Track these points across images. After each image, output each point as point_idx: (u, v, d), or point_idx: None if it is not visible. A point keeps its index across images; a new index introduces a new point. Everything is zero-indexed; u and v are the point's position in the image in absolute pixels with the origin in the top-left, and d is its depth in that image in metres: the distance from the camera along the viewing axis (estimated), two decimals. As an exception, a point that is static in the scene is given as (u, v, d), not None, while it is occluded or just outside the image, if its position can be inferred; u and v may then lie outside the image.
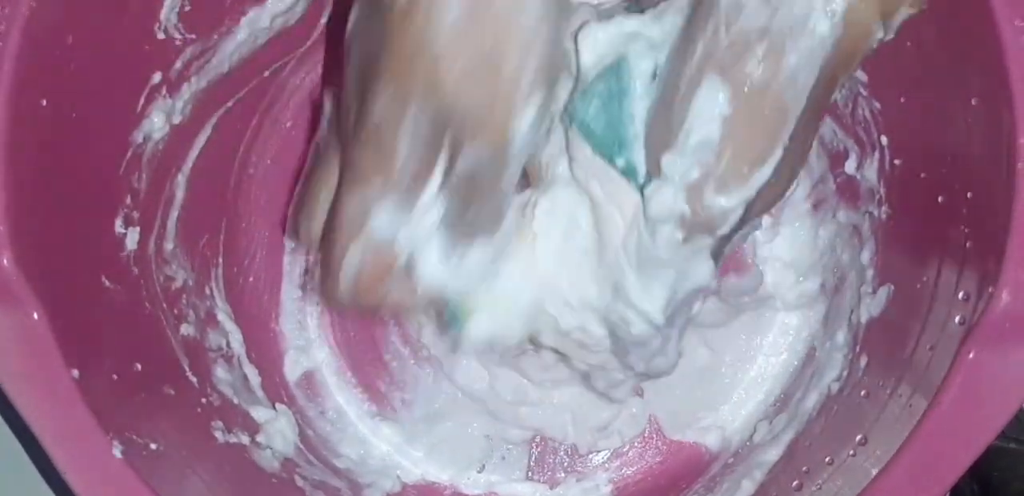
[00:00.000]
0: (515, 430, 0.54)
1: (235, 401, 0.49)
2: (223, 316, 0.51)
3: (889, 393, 0.41)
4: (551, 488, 0.54)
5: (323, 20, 0.52)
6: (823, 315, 0.53)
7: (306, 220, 0.41)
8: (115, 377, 0.40)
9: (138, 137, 0.44)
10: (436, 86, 0.36)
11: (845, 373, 0.48)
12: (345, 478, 0.52)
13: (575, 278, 0.41)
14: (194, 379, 0.47)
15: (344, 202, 0.38)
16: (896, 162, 0.46)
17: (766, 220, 0.54)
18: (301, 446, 0.51)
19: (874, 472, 0.37)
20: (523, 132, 0.37)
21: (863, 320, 0.48)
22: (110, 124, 0.43)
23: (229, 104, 0.50)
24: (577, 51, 0.39)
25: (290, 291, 0.55)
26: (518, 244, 0.41)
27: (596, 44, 0.39)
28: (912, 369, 0.40)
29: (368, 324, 0.55)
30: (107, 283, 0.42)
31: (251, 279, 0.55)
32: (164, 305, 0.47)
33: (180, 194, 0.48)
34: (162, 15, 0.43)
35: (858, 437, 0.41)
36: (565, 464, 0.54)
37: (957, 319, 0.38)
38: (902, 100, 0.45)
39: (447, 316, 0.41)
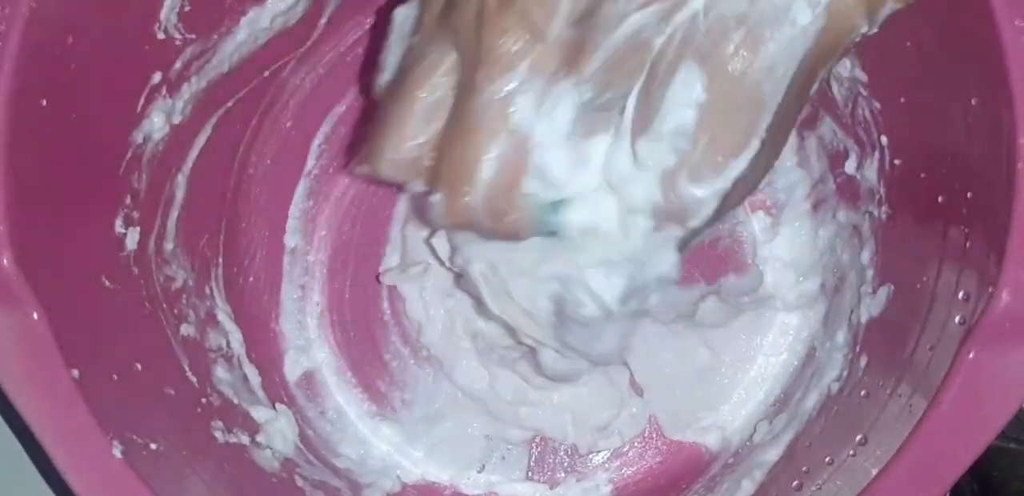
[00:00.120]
0: (515, 430, 0.54)
1: (235, 401, 0.49)
2: (223, 316, 0.51)
3: (889, 393, 0.41)
4: (551, 488, 0.54)
5: (323, 20, 0.52)
6: (823, 315, 0.53)
7: (395, 136, 0.38)
8: (115, 377, 0.40)
9: (138, 137, 0.44)
10: None
11: (845, 373, 0.48)
12: (345, 478, 0.52)
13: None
14: (194, 379, 0.47)
15: (481, 94, 0.36)
16: (896, 162, 0.46)
17: (766, 220, 0.55)
18: (301, 446, 0.51)
19: (874, 472, 0.37)
20: None
21: (863, 320, 0.48)
22: (110, 124, 0.43)
23: (229, 104, 0.50)
24: None
25: (290, 291, 0.55)
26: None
27: None
28: (912, 369, 0.40)
29: (368, 324, 0.55)
30: (107, 283, 0.42)
31: (251, 279, 0.55)
32: (164, 305, 0.47)
33: (180, 194, 0.48)
34: (162, 15, 0.43)
35: (858, 437, 0.41)
36: (565, 464, 0.54)
37: (957, 319, 0.38)
38: (902, 100, 0.45)
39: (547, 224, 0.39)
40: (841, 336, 0.49)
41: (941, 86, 0.41)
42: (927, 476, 0.36)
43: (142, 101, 0.44)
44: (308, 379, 0.55)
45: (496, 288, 0.42)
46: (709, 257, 0.54)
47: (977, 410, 0.36)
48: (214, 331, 0.50)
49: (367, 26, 0.55)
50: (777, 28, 0.35)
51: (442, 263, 0.52)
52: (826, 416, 0.47)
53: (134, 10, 0.42)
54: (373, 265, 0.55)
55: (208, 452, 0.45)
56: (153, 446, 0.40)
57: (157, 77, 0.44)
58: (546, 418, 0.53)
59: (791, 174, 0.54)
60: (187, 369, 0.46)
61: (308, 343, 0.55)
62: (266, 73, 0.52)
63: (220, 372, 0.49)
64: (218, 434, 0.46)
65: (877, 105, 0.46)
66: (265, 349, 0.54)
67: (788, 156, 0.54)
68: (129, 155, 0.44)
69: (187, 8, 0.44)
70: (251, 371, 0.52)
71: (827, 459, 0.42)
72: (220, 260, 0.53)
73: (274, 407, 0.51)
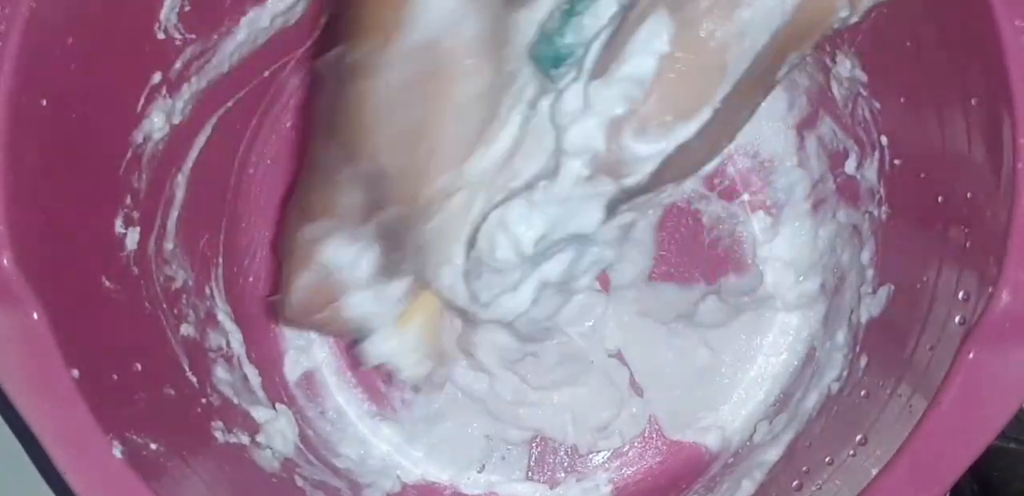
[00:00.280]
0: (515, 430, 0.54)
1: (235, 401, 0.49)
2: (223, 316, 0.51)
3: (889, 393, 0.41)
4: (551, 488, 0.54)
5: (323, 20, 0.52)
6: (823, 315, 0.53)
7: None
8: (115, 377, 0.40)
9: (138, 137, 0.44)
10: (363, 148, 0.39)
11: (845, 373, 0.48)
12: (345, 478, 0.52)
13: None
14: (194, 379, 0.47)
15: (297, 231, 0.41)
16: (896, 162, 0.46)
17: (766, 220, 0.55)
18: (301, 446, 0.51)
19: (874, 472, 0.37)
20: (433, 198, 0.39)
21: (863, 320, 0.48)
22: (110, 124, 0.43)
23: (229, 104, 0.50)
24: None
25: (290, 291, 0.55)
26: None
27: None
28: (912, 369, 0.40)
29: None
30: (107, 283, 0.42)
31: (251, 279, 0.55)
32: (164, 305, 0.47)
33: (180, 194, 0.48)
34: (162, 15, 0.43)
35: (858, 437, 0.41)
36: (565, 464, 0.54)
37: (957, 319, 0.38)
38: (902, 100, 0.45)
39: (360, 335, 0.44)
40: (841, 336, 0.49)
41: (941, 86, 0.41)
42: (927, 476, 0.36)
43: (142, 101, 0.44)
44: (308, 379, 0.55)
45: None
46: (709, 257, 0.54)
47: (977, 410, 0.36)
48: (214, 331, 0.50)
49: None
50: None
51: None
52: (826, 416, 0.47)
53: (134, 10, 0.42)
54: (373, 265, 0.55)
55: (208, 452, 0.45)
56: (153, 446, 0.40)
57: (157, 77, 0.44)
58: (546, 418, 0.53)
59: (791, 174, 0.54)
60: (187, 369, 0.46)
61: (308, 343, 0.55)
62: (266, 73, 0.52)
63: (220, 372, 0.49)
64: (218, 434, 0.46)
65: (877, 105, 0.46)
66: (265, 349, 0.54)
67: (788, 156, 0.54)
68: (129, 155, 0.44)
69: (187, 8, 0.44)
70: (251, 371, 0.52)
71: (827, 459, 0.42)
72: (220, 260, 0.53)
73: (274, 407, 0.51)
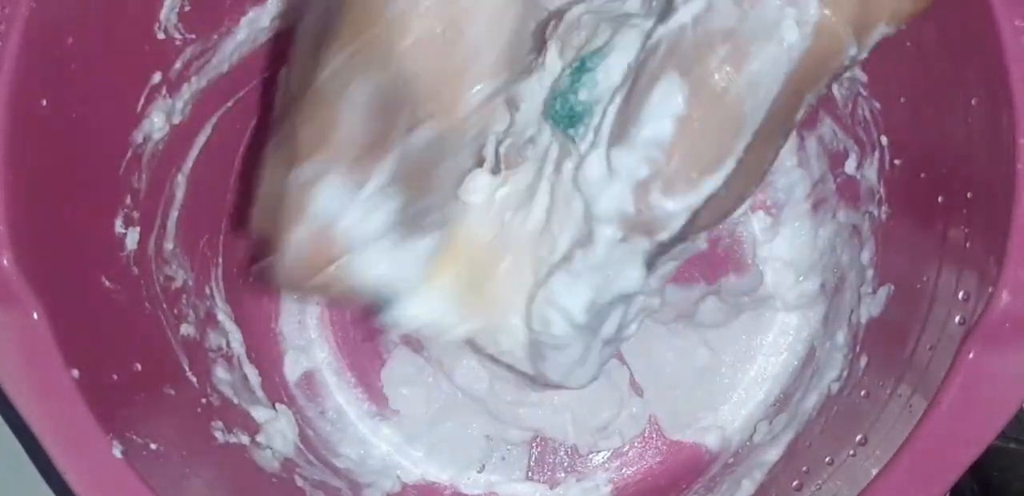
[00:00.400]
0: (515, 430, 0.54)
1: (235, 401, 0.49)
2: (223, 316, 0.51)
3: (889, 393, 0.41)
4: (551, 488, 0.54)
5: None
6: (823, 315, 0.53)
7: (259, 203, 0.39)
8: (115, 377, 0.40)
9: (138, 137, 0.44)
10: (390, 52, 0.35)
11: (845, 373, 0.48)
12: (345, 478, 0.52)
13: (512, 267, 0.40)
14: (194, 379, 0.47)
15: (288, 179, 0.37)
16: (896, 162, 0.46)
17: (766, 220, 0.55)
18: (301, 446, 0.51)
19: (874, 472, 0.37)
20: (472, 108, 0.36)
21: (863, 320, 0.48)
22: (110, 124, 0.43)
23: (229, 104, 0.50)
24: (545, 48, 0.38)
25: (290, 291, 0.55)
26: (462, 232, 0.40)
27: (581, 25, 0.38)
28: (912, 369, 0.40)
29: (368, 324, 0.55)
30: (107, 283, 0.42)
31: (251, 279, 0.55)
32: (164, 305, 0.47)
33: (180, 194, 0.48)
34: (162, 15, 0.43)
35: (858, 437, 0.41)
36: (565, 464, 0.54)
37: (957, 319, 0.38)
38: (902, 100, 0.45)
39: (381, 299, 0.40)
40: (841, 336, 0.49)
41: (941, 86, 0.41)
42: (927, 476, 0.36)
43: (142, 101, 0.44)
44: (308, 379, 0.55)
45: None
46: (709, 257, 0.54)
47: (977, 410, 0.36)
48: (214, 331, 0.50)
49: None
50: (763, 46, 0.34)
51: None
52: (826, 416, 0.47)
53: (134, 10, 0.42)
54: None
55: (208, 452, 0.45)
56: (153, 446, 0.40)
57: (157, 77, 0.44)
58: (546, 418, 0.53)
59: (791, 174, 0.54)
60: (187, 369, 0.46)
61: (308, 343, 0.55)
62: (266, 73, 0.52)
63: (220, 372, 0.49)
64: (218, 434, 0.46)
65: (877, 105, 0.46)
66: (265, 349, 0.54)
67: (788, 156, 0.54)
68: (129, 155, 0.44)
69: (187, 8, 0.44)
70: (251, 371, 0.52)
71: (827, 459, 0.42)
72: (220, 260, 0.53)
73: (274, 407, 0.51)
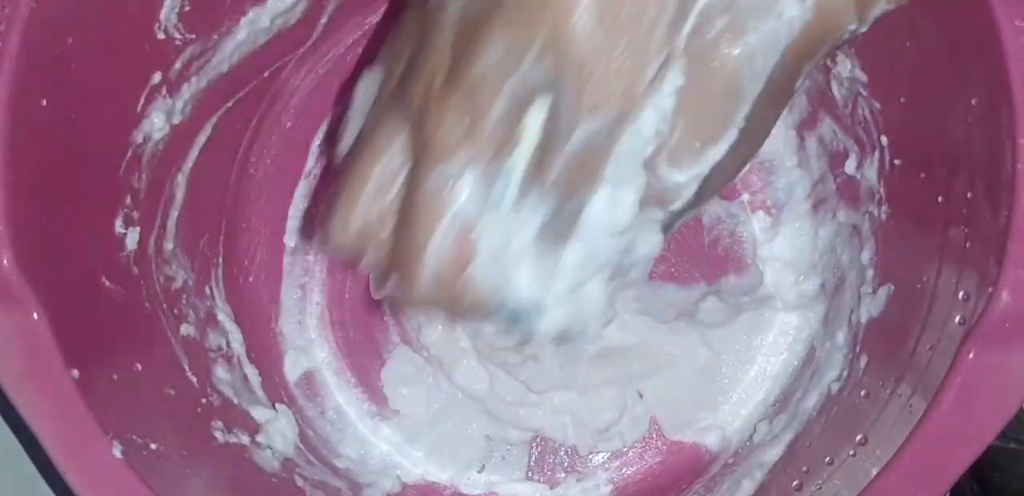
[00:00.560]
0: (515, 431, 0.54)
1: (235, 401, 0.49)
2: (223, 316, 0.51)
3: (889, 393, 0.41)
4: (551, 488, 0.54)
5: (323, 20, 0.52)
6: (823, 315, 0.53)
7: (344, 212, 0.37)
8: (115, 377, 0.40)
9: (138, 137, 0.44)
10: (560, 36, 0.33)
11: (845, 373, 0.48)
12: (345, 478, 0.52)
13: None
14: (194, 379, 0.47)
15: (424, 179, 0.35)
16: (896, 162, 0.46)
17: (766, 220, 0.55)
18: (301, 446, 0.51)
19: (874, 472, 0.37)
20: (647, 96, 0.34)
21: (863, 320, 0.48)
22: (110, 124, 0.43)
23: (229, 104, 0.50)
24: None
25: (290, 291, 0.55)
26: None
27: None
28: (912, 369, 0.40)
29: (368, 324, 0.55)
30: (107, 283, 0.42)
31: (251, 279, 0.55)
32: (164, 305, 0.47)
33: (180, 194, 0.48)
34: (162, 15, 0.43)
35: (858, 437, 0.41)
36: (565, 464, 0.54)
37: (957, 319, 0.38)
38: (902, 100, 0.45)
39: (513, 312, 0.37)
40: (841, 336, 0.49)
41: (941, 86, 0.41)
42: (927, 476, 0.36)
43: (142, 101, 0.44)
44: (308, 379, 0.55)
45: None
46: (709, 257, 0.54)
47: (977, 410, 0.36)
48: (214, 331, 0.50)
49: (367, 26, 0.55)
50: (762, 20, 0.34)
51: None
52: (826, 416, 0.47)
53: (134, 10, 0.42)
54: (373, 265, 0.55)
55: (208, 452, 0.45)
56: (153, 446, 0.40)
57: (157, 77, 0.44)
58: (546, 419, 0.53)
59: (791, 174, 0.54)
60: (187, 369, 0.46)
61: (308, 343, 0.55)
62: (266, 73, 0.52)
63: (220, 372, 0.49)
64: (218, 434, 0.46)
65: (877, 105, 0.46)
66: (265, 349, 0.54)
67: (788, 156, 0.54)
68: (129, 155, 0.44)
69: (187, 8, 0.44)
70: (251, 371, 0.52)
71: (827, 459, 0.42)
72: (220, 260, 0.53)
73: (274, 407, 0.51)
